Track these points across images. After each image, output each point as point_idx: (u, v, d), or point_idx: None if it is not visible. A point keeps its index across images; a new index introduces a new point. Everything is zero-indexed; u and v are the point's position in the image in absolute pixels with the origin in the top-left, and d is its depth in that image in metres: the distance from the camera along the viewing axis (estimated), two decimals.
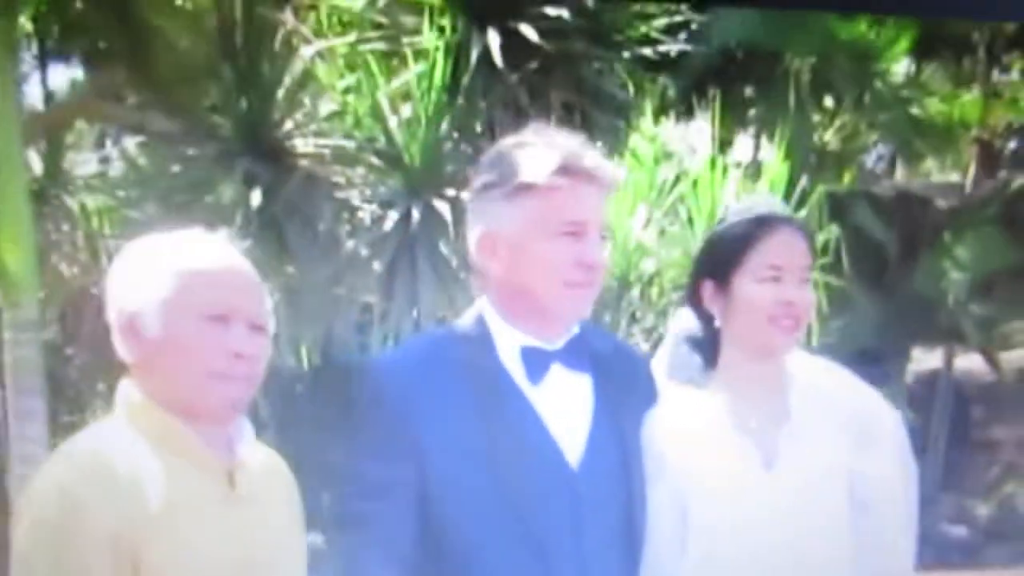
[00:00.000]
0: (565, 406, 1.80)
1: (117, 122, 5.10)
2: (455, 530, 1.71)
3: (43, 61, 6.31)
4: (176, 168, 4.72)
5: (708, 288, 1.96)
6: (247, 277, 1.69)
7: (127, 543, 1.51)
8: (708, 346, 1.99)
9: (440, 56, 4.73)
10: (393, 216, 4.73)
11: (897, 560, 1.95)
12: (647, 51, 5.55)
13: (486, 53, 4.88)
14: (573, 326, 1.84)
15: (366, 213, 4.74)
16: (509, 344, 1.80)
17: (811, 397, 1.96)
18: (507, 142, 1.85)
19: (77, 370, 6.17)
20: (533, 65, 4.87)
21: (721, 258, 1.96)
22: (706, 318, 1.98)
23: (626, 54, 5.49)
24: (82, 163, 5.88)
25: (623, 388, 1.85)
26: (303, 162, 4.80)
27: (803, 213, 5.83)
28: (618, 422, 1.82)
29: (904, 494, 1.97)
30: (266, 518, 1.67)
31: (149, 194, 4.82)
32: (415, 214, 4.73)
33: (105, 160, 5.83)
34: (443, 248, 4.77)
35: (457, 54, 4.87)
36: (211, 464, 1.63)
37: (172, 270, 1.63)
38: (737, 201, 6.58)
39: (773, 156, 7.44)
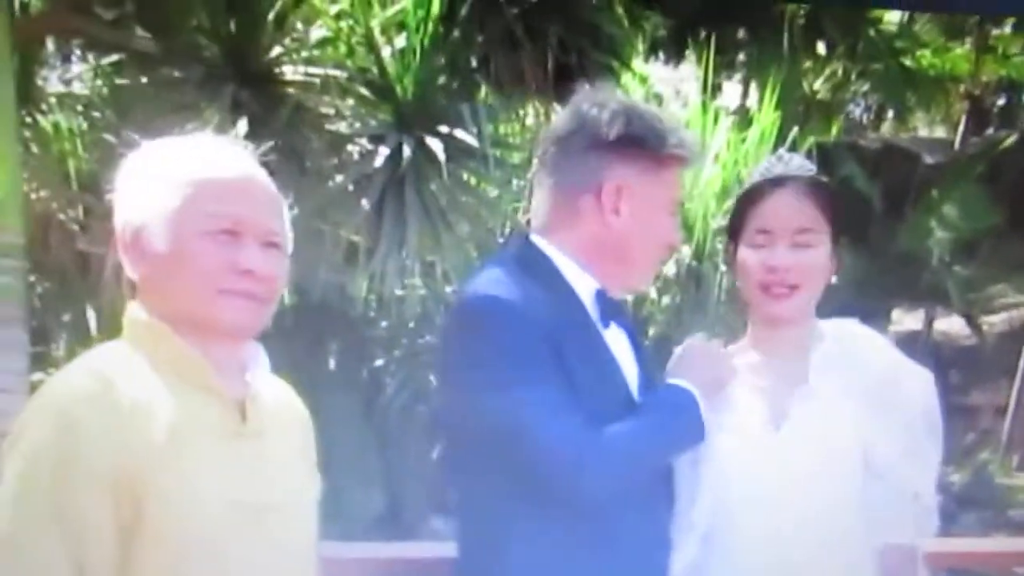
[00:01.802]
0: (621, 349, 1.92)
1: (94, 39, 4.95)
2: None
3: None
4: (159, 90, 4.62)
5: (731, 251, 2.03)
6: (262, 188, 1.57)
7: (128, 474, 1.42)
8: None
9: None
10: (383, 151, 4.66)
11: (908, 531, 1.95)
12: None
13: None
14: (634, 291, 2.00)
15: (355, 147, 4.67)
16: (584, 286, 1.89)
17: (833, 361, 1.98)
18: (627, 99, 1.94)
19: (40, 299, 6.06)
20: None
21: (730, 224, 2.05)
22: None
23: None
24: (55, 81, 5.74)
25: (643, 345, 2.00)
26: (292, 90, 4.72)
27: None
28: (652, 377, 1.95)
29: (922, 466, 1.97)
30: (277, 455, 1.59)
31: (128, 117, 4.72)
32: (406, 150, 4.67)
33: (79, 79, 5.68)
34: (434, 187, 4.74)
35: None
36: (222, 393, 1.54)
37: (180, 179, 1.52)
38: (732, 150, 6.61)
39: (760, 102, 7.45)
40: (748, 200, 2.00)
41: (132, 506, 1.42)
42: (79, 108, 5.35)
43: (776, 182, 1.99)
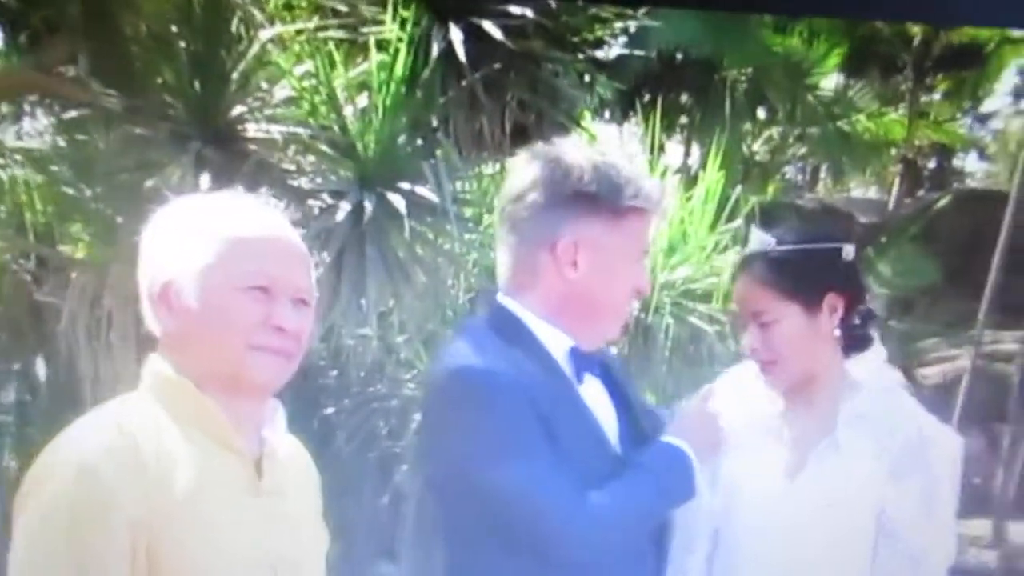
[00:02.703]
0: (598, 404, 1.97)
1: (60, 95, 5.05)
2: None
3: None
4: (124, 146, 4.72)
5: None
6: (293, 247, 1.63)
7: (147, 527, 1.44)
8: None
9: (403, 48, 4.83)
10: (344, 207, 4.80)
11: None
12: (599, 54, 5.77)
13: (448, 48, 5.00)
14: (605, 340, 2.03)
15: (317, 202, 4.81)
16: (557, 345, 1.94)
17: (862, 415, 2.01)
18: (589, 152, 1.97)
19: None
20: (496, 63, 5.00)
21: None
22: None
23: (580, 56, 5.67)
24: (12, 136, 5.82)
25: (627, 394, 2.05)
26: (254, 147, 4.84)
27: (736, 224, 6.12)
28: (637, 420, 2.02)
29: (939, 531, 1.98)
30: (291, 512, 1.62)
31: (91, 172, 4.81)
32: (367, 206, 4.81)
33: (38, 134, 5.76)
34: (393, 241, 4.88)
35: (417, 47, 4.98)
36: (241, 451, 1.57)
37: (213, 235, 1.56)
38: (679, 208, 6.84)
39: (701, 163, 7.74)
40: (733, 278, 2.10)
41: (149, 559, 1.45)
42: (36, 162, 5.42)
43: (743, 263, 2.07)
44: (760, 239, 2.07)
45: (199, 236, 1.57)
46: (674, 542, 2.02)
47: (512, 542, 1.81)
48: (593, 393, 1.97)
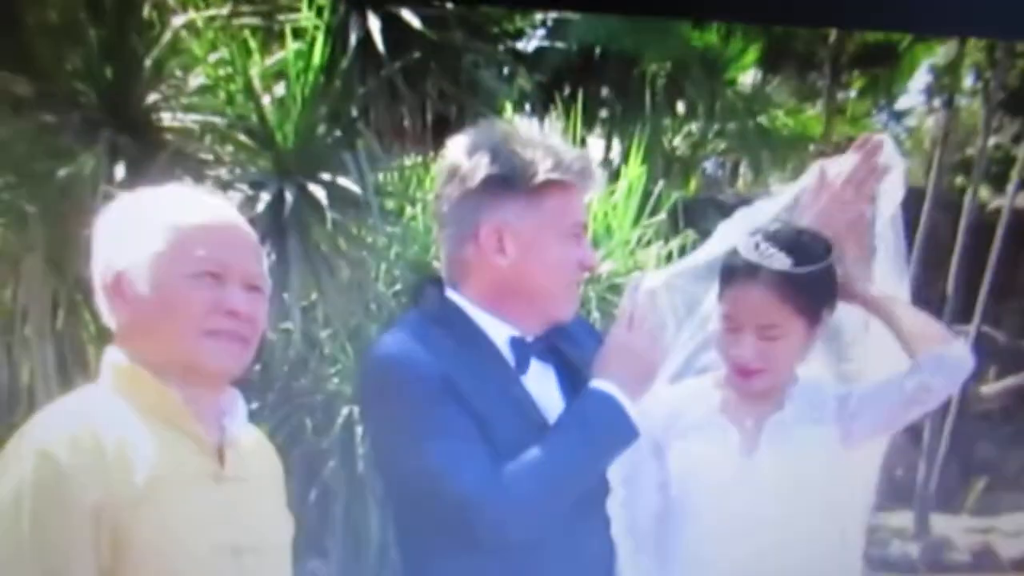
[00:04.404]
0: (544, 392, 1.95)
1: None
2: None
3: None
4: (34, 135, 4.68)
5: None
6: (243, 234, 1.66)
7: (109, 517, 1.47)
8: None
9: (320, 36, 4.86)
10: (264, 198, 4.82)
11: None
12: (519, 45, 5.88)
13: (366, 37, 5.04)
14: (555, 323, 1.99)
15: (236, 193, 4.81)
16: (497, 334, 1.93)
17: (809, 391, 2.08)
18: (498, 133, 1.93)
19: None
20: (415, 53, 5.05)
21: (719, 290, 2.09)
22: None
23: (501, 47, 5.77)
24: None
25: (582, 374, 1.98)
26: (170, 136, 4.83)
27: (659, 218, 6.24)
28: None
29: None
30: (253, 500, 1.65)
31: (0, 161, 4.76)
32: (288, 197, 4.84)
33: None
34: (315, 234, 4.91)
35: (335, 36, 5.01)
36: (201, 438, 1.60)
37: (164, 224, 1.59)
38: (602, 202, 6.96)
39: (623, 158, 7.87)
40: (723, 278, 2.06)
41: (112, 548, 1.48)
42: None
43: (748, 270, 2.01)
44: (777, 256, 2.03)
45: (149, 226, 1.61)
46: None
47: (446, 532, 1.81)
48: (541, 380, 1.95)
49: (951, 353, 2.07)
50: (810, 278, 2.03)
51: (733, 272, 2.05)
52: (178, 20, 4.88)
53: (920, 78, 15.25)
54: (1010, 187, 12.35)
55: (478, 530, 1.79)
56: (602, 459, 1.88)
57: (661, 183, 7.03)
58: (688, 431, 2.07)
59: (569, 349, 2.00)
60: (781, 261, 2.02)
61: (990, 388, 14.40)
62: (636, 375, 1.89)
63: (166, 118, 4.87)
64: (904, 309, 2.12)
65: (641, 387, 1.89)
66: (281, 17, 5.06)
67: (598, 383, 1.89)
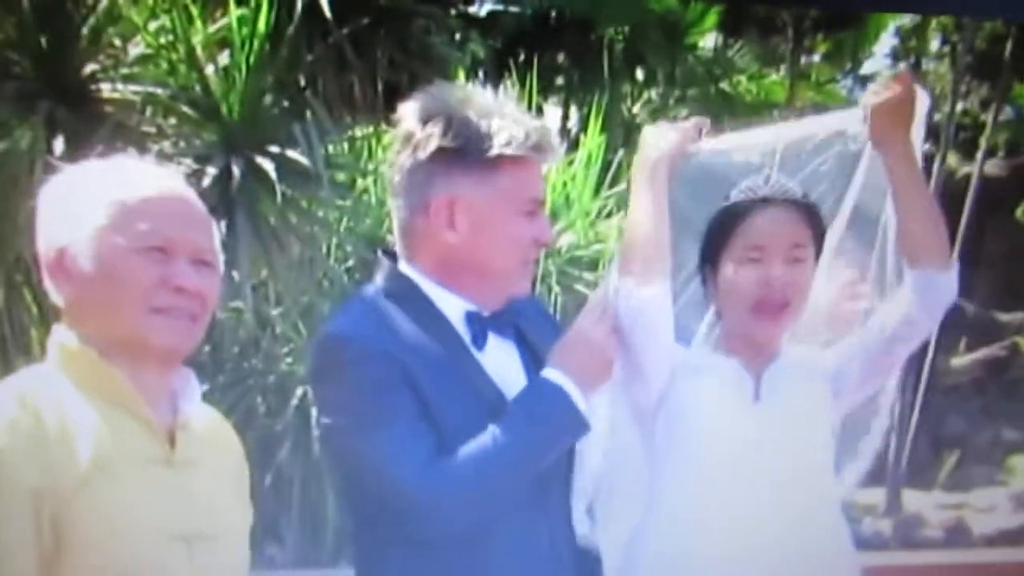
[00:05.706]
0: (503, 368, 1.94)
1: None
2: None
3: None
4: None
5: (707, 272, 2.14)
6: (191, 206, 1.63)
7: (50, 501, 1.46)
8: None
9: (264, 1, 4.85)
10: (211, 171, 4.83)
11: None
12: (471, 9, 5.90)
13: (312, 3, 5.04)
14: (511, 298, 1.97)
15: (181, 167, 4.82)
16: (452, 308, 1.92)
17: (800, 350, 2.17)
18: (454, 99, 1.89)
19: None
20: (364, 19, 5.06)
21: (710, 243, 2.13)
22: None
23: (452, 11, 5.78)
24: None
25: (542, 351, 1.98)
26: (111, 108, 4.82)
27: (620, 188, 6.26)
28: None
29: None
30: (207, 485, 1.63)
31: None
32: (235, 170, 4.84)
33: None
34: (264, 208, 4.92)
35: (280, 1, 5.01)
36: (150, 420, 1.57)
37: (107, 198, 1.56)
38: (561, 172, 7.00)
39: (584, 126, 7.90)
40: (737, 216, 2.09)
41: (54, 533, 1.46)
42: None
43: (765, 201, 2.09)
44: (787, 186, 2.12)
45: (92, 199, 1.57)
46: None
47: (392, 523, 1.81)
48: (498, 356, 1.94)
49: (941, 281, 2.12)
50: (818, 211, 2.15)
51: (750, 206, 2.11)
52: None
53: (886, 41, 15.44)
54: (979, 154, 12.58)
55: (416, 522, 1.81)
56: (548, 452, 1.90)
57: (621, 152, 7.09)
58: (688, 375, 2.12)
59: (526, 328, 2.01)
60: (794, 192, 2.13)
61: (960, 360, 14.66)
62: (593, 369, 1.91)
63: (106, 89, 4.85)
64: (928, 201, 2.16)
65: (596, 382, 1.92)
66: None
67: (552, 373, 1.89)
